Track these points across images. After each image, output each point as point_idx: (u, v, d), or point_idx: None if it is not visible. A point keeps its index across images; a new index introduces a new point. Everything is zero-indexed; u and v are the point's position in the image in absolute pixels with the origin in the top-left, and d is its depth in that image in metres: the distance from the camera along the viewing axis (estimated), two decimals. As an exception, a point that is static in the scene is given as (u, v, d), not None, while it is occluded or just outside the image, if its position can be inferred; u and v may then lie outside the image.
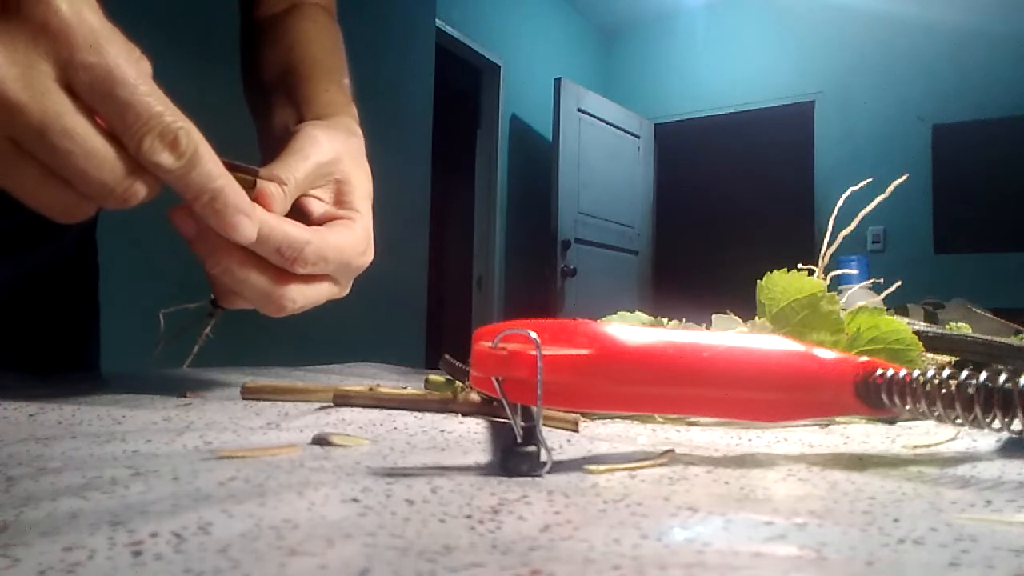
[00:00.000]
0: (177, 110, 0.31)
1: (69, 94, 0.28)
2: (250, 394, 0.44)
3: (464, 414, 0.39)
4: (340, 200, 0.42)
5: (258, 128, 0.53)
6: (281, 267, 0.37)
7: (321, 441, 0.31)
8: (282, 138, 0.42)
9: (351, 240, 0.40)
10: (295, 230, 0.36)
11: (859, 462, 0.28)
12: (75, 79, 0.28)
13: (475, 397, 0.40)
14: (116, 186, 0.30)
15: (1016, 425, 0.24)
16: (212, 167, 0.31)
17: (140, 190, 0.31)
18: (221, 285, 0.38)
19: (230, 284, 0.37)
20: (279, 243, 0.35)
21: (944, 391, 0.25)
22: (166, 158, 0.30)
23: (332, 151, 0.41)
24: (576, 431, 0.36)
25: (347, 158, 0.43)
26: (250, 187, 0.34)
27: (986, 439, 0.34)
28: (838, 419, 0.40)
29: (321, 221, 0.41)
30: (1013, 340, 0.51)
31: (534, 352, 0.25)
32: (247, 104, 0.56)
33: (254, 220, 0.33)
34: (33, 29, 0.27)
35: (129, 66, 0.29)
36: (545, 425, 0.33)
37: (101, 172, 0.29)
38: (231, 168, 0.33)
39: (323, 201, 0.42)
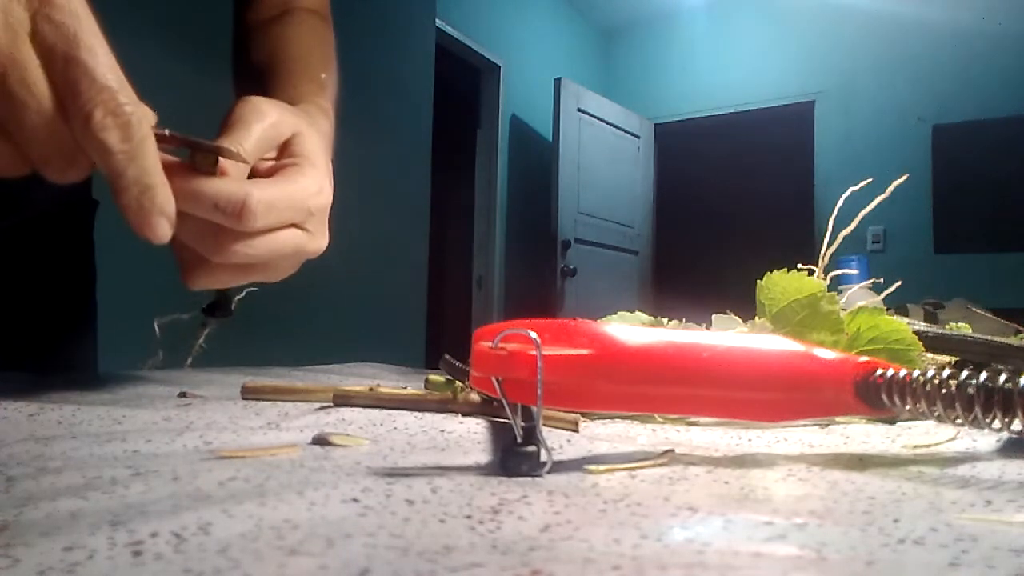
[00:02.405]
0: (134, 96, 0.30)
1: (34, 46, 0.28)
2: (250, 394, 0.44)
3: (464, 414, 0.39)
4: (287, 150, 0.41)
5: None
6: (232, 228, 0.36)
7: (321, 441, 0.31)
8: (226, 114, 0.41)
9: (300, 183, 0.39)
10: (232, 184, 0.35)
11: (859, 462, 0.28)
12: (41, 34, 0.28)
13: (475, 397, 0.40)
14: (57, 151, 0.30)
15: (1016, 425, 0.24)
16: (153, 162, 0.31)
17: (81, 165, 0.30)
18: (182, 256, 0.37)
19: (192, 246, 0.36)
20: (215, 199, 0.34)
21: (944, 391, 0.25)
22: (113, 138, 0.29)
23: (275, 114, 0.40)
24: (576, 431, 0.36)
25: (292, 118, 0.41)
26: (212, 165, 0.34)
27: (986, 439, 0.34)
28: (838, 419, 0.40)
29: (266, 173, 0.39)
30: (1013, 340, 0.51)
31: (534, 352, 0.25)
32: None
33: (172, 222, 0.32)
34: None
35: (96, 38, 0.29)
36: (545, 425, 0.33)
37: (49, 132, 0.29)
38: (191, 145, 0.33)
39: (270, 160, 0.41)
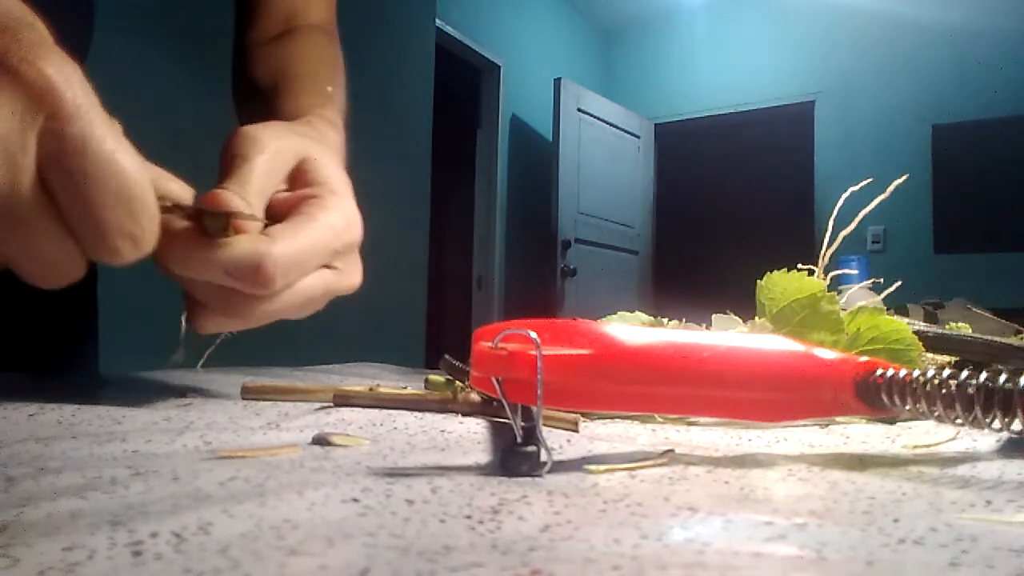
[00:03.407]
0: (150, 192, 0.28)
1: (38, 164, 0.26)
2: (250, 394, 0.44)
3: (464, 414, 0.39)
4: (303, 181, 0.37)
5: None
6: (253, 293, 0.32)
7: (321, 441, 0.31)
8: (223, 146, 0.37)
9: (323, 221, 0.35)
10: (245, 247, 0.31)
11: (859, 462, 0.28)
12: (49, 157, 0.26)
13: (475, 397, 0.40)
14: (53, 266, 0.28)
15: (1016, 425, 0.24)
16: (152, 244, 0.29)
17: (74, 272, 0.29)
18: (191, 298, 0.35)
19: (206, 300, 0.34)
20: (226, 266, 0.31)
21: (944, 391, 0.25)
22: (126, 249, 0.28)
23: (275, 143, 0.36)
24: (576, 431, 0.36)
25: (295, 141, 0.38)
26: (223, 227, 0.31)
27: (986, 439, 0.34)
28: (838, 419, 0.40)
29: (284, 209, 0.36)
30: (1013, 340, 0.51)
31: (534, 352, 0.25)
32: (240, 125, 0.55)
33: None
34: (21, 91, 0.25)
35: (110, 143, 0.27)
36: (545, 425, 0.33)
37: (48, 252, 0.27)
38: (198, 211, 0.31)
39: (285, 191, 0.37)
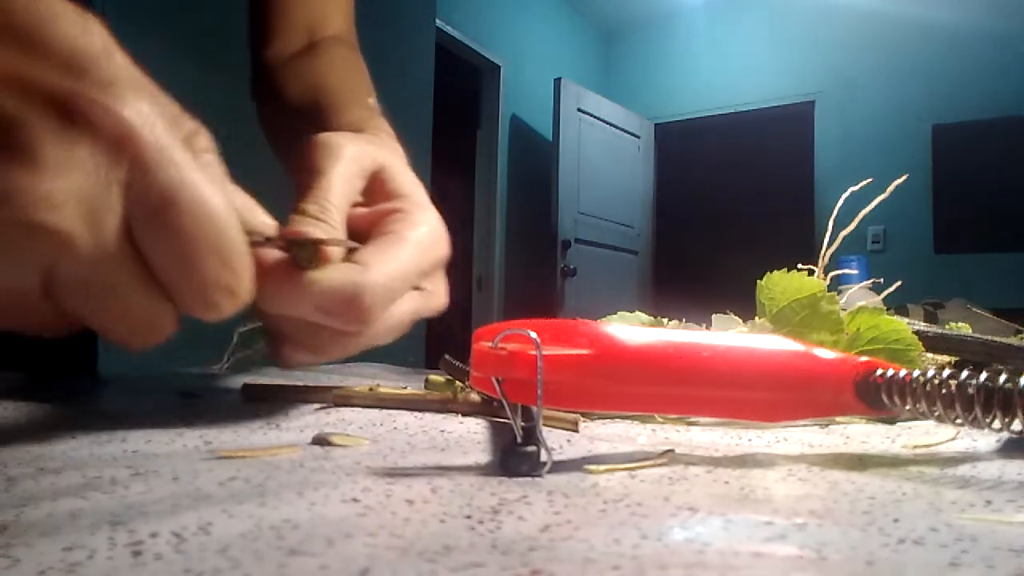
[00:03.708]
0: (240, 234, 0.25)
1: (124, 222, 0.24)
2: (250, 393, 0.44)
3: (464, 414, 0.39)
4: (382, 191, 0.35)
5: (287, 164, 0.46)
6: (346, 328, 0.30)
7: (321, 441, 0.31)
8: (298, 154, 0.35)
9: (413, 239, 0.33)
10: (339, 278, 0.29)
11: (859, 462, 0.28)
12: (135, 201, 0.23)
13: (475, 397, 0.40)
14: (138, 326, 0.25)
15: (1016, 425, 0.24)
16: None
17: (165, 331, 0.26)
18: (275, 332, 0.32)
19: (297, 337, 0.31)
20: (319, 302, 0.29)
21: (944, 391, 0.25)
22: (225, 303, 0.26)
23: (351, 146, 0.34)
24: (576, 431, 0.36)
25: (369, 146, 0.36)
26: (313, 257, 0.29)
27: (986, 439, 0.34)
28: (838, 419, 0.40)
29: (367, 225, 0.34)
30: (1013, 340, 0.51)
31: (534, 352, 0.25)
32: (270, 146, 0.53)
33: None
34: (100, 142, 0.23)
35: (205, 186, 0.24)
36: (545, 425, 0.33)
37: (134, 311, 0.25)
38: (289, 241, 0.29)
39: (364, 206, 0.35)
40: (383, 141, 0.41)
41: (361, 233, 0.33)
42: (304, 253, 0.29)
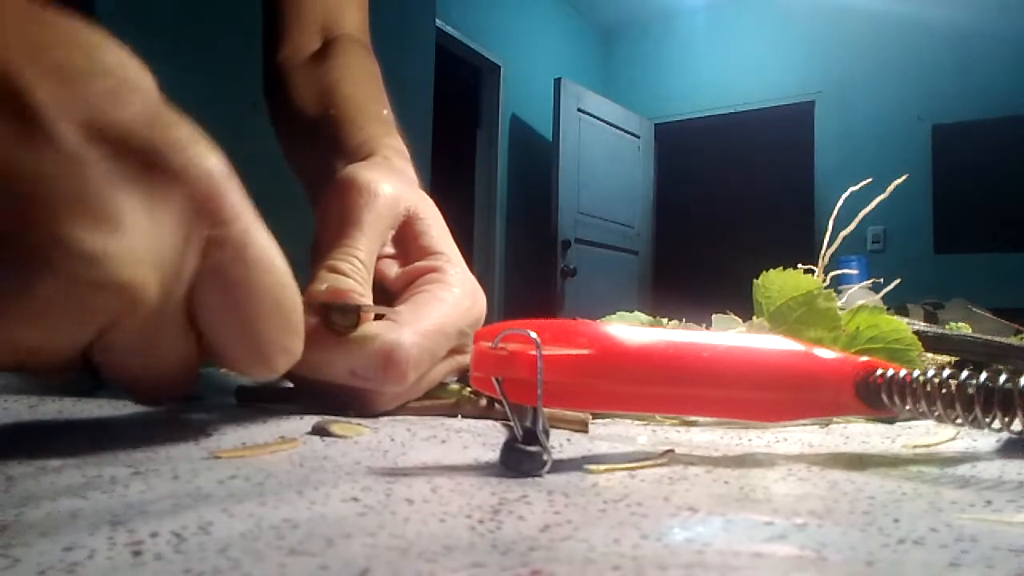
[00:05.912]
0: (298, 296, 0.24)
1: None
2: (246, 397, 0.44)
3: (467, 417, 0.39)
4: (415, 244, 0.34)
5: (299, 170, 0.48)
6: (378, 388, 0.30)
7: (320, 431, 0.30)
8: (328, 193, 0.34)
9: (449, 300, 0.32)
10: (374, 343, 0.28)
11: (859, 462, 0.28)
12: (210, 258, 0.22)
13: (483, 403, 0.39)
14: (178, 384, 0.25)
15: (1016, 425, 0.24)
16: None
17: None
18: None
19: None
20: (354, 367, 0.28)
21: (944, 391, 0.25)
22: (280, 365, 0.25)
23: (382, 189, 0.33)
24: (586, 431, 0.35)
25: (398, 185, 0.35)
26: (352, 323, 0.28)
27: (986, 439, 0.34)
28: (838, 419, 0.40)
29: (402, 285, 0.33)
30: (1013, 340, 0.51)
31: (534, 352, 0.25)
32: (283, 150, 0.53)
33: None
34: (186, 198, 0.21)
35: (270, 244, 0.23)
36: (553, 427, 0.33)
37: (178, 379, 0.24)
38: (326, 309, 0.28)
39: (394, 258, 0.34)
40: (403, 170, 0.40)
41: (398, 291, 0.33)
42: (345, 320, 0.28)
